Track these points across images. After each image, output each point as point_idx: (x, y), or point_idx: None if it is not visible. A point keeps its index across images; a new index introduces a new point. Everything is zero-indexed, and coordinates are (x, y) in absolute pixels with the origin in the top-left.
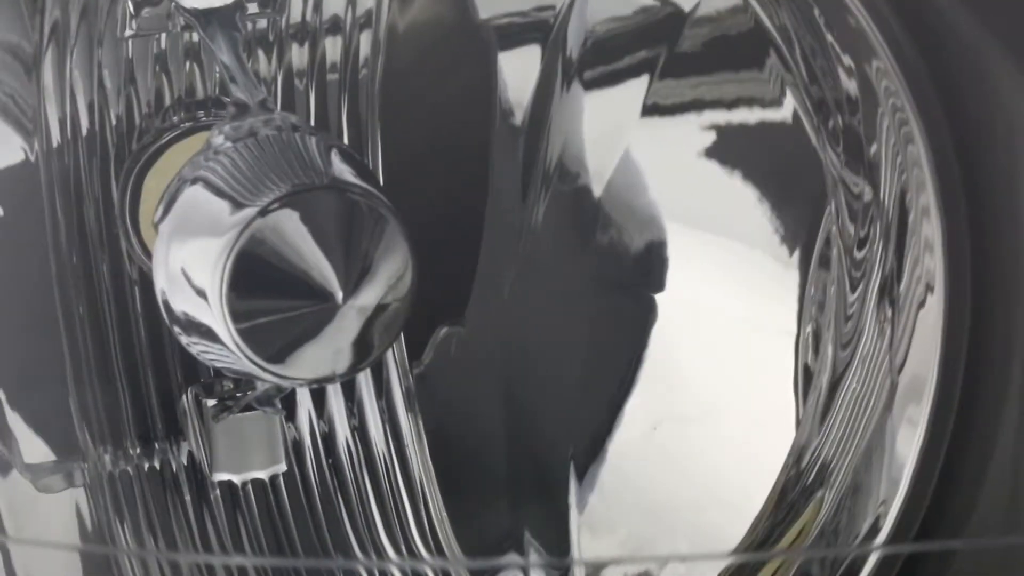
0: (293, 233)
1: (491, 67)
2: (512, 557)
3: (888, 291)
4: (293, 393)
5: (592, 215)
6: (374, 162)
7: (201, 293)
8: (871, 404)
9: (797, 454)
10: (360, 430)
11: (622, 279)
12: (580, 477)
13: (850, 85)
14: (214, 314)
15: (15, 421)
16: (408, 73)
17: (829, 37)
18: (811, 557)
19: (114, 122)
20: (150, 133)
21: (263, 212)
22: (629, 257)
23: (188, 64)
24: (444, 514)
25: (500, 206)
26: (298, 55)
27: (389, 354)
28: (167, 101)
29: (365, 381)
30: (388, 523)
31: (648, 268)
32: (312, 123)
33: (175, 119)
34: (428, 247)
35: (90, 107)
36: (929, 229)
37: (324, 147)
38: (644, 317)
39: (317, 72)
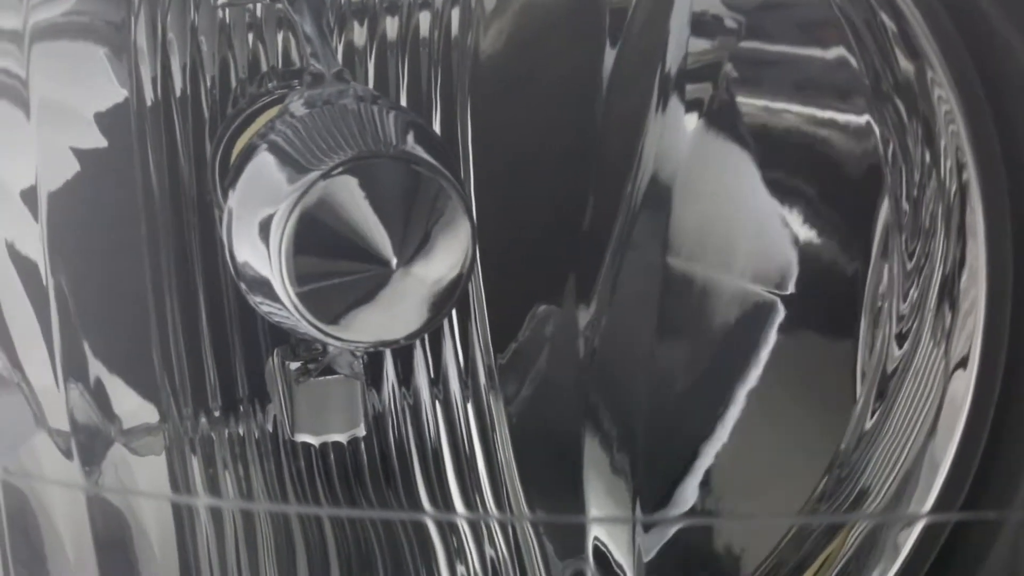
0: (353, 198)
1: (598, 46)
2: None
3: (949, 290)
4: (380, 362)
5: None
6: (464, 136)
7: (263, 253)
8: (918, 425)
9: (837, 471)
10: (444, 402)
11: (705, 268)
12: (645, 450)
13: (909, 68)
14: (274, 275)
15: (110, 383)
16: (507, 49)
17: (891, 25)
18: (864, 523)
19: (209, 85)
20: (245, 98)
21: (325, 175)
22: (712, 246)
23: (283, 32)
24: (518, 482)
25: (602, 188)
26: (391, 28)
27: (474, 331)
28: (263, 67)
29: (451, 355)
30: (464, 487)
31: (729, 259)
32: (405, 95)
33: (270, 85)
34: (528, 226)
35: (183, 69)
36: (974, 229)
37: (402, 122)
38: (718, 306)
39: (409, 46)
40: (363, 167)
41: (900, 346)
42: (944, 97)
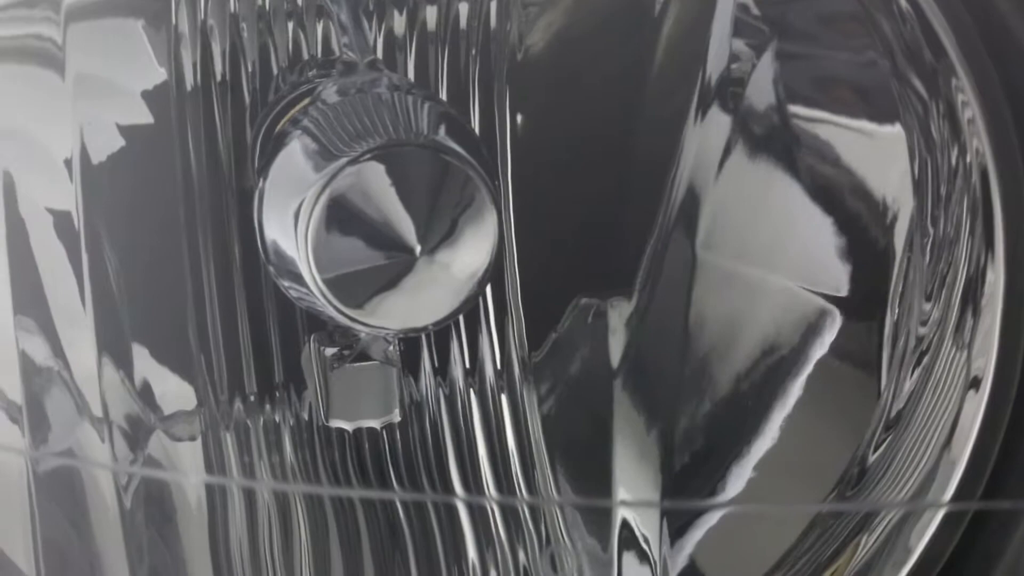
0: (381, 185)
1: (643, 44)
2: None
3: (972, 294)
4: (418, 351)
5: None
6: (502, 128)
7: (292, 238)
8: (934, 439)
9: (855, 474)
10: (479, 392)
11: (739, 265)
12: (676, 442)
13: (930, 59)
14: (301, 260)
15: (148, 368)
16: (553, 44)
17: (911, 13)
18: (877, 532)
19: (249, 71)
20: (286, 86)
21: (353, 162)
22: (745, 243)
23: (323, 21)
24: (550, 473)
25: (643, 183)
26: (431, 17)
27: (510, 323)
28: (304, 55)
29: (487, 346)
30: (497, 476)
31: (762, 256)
32: (445, 86)
33: (310, 74)
34: (568, 220)
35: (223, 55)
36: (993, 241)
37: (435, 113)
38: (750, 303)
39: (449, 37)
40: (391, 155)
41: (921, 356)
42: (967, 102)
